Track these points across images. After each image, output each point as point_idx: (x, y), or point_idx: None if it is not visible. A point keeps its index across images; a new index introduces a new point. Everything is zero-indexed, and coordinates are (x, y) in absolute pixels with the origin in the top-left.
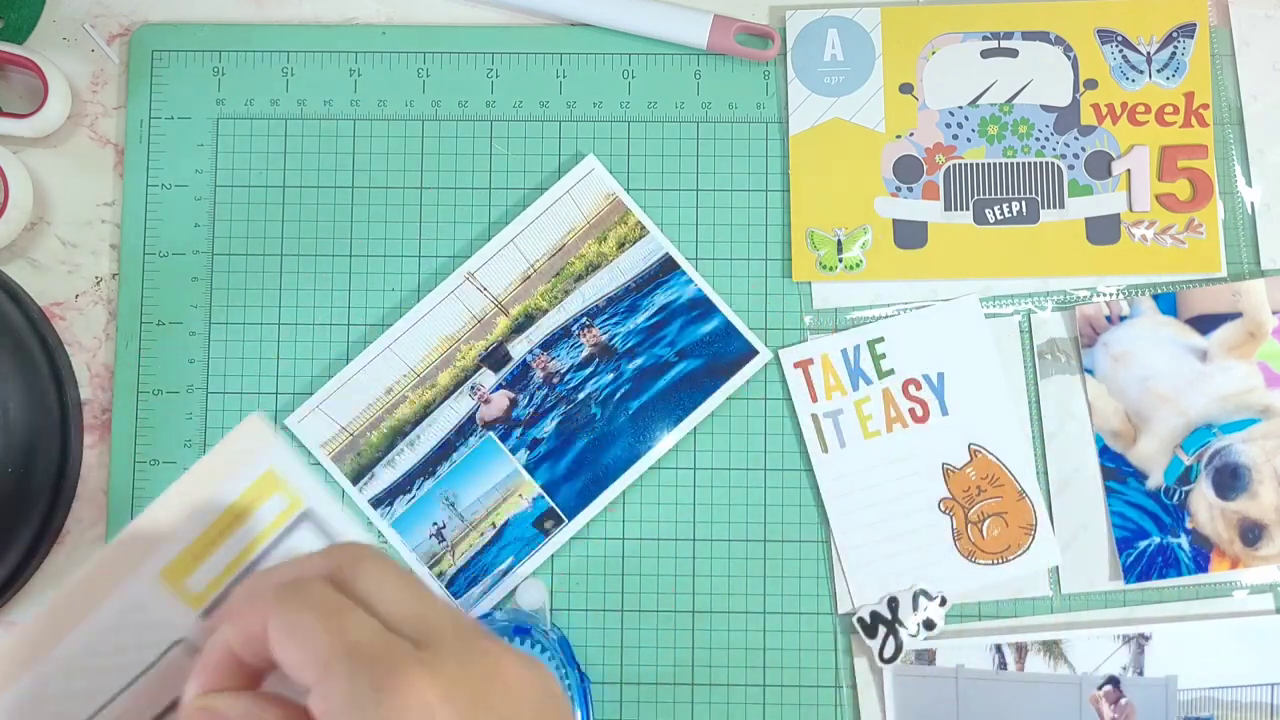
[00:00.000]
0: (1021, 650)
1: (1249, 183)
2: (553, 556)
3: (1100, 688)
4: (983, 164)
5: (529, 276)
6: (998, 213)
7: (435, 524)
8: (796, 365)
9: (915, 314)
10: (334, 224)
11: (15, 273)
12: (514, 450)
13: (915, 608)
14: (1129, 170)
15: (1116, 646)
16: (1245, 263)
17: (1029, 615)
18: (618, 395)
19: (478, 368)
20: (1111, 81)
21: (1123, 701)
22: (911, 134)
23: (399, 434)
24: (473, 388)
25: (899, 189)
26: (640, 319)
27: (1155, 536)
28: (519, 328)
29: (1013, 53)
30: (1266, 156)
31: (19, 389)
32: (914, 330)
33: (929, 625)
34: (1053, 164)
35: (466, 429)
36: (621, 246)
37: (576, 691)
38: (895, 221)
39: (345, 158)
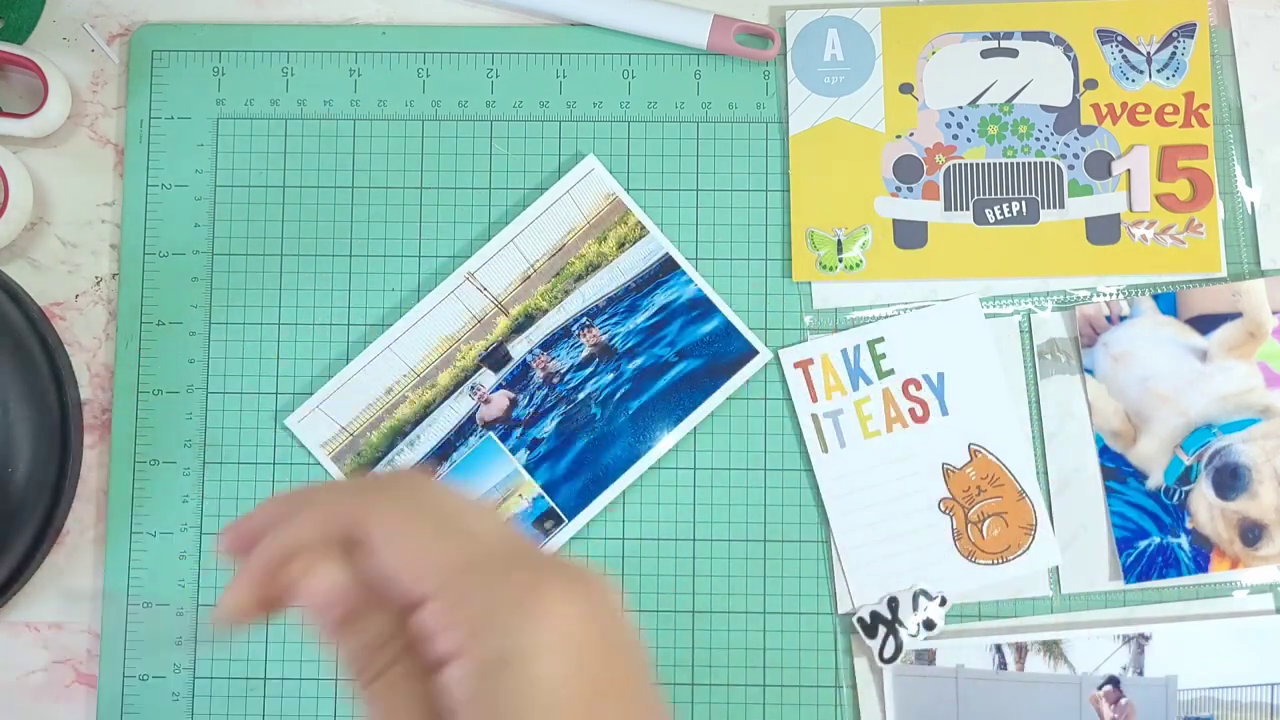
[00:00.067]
0: (1021, 650)
1: (1249, 183)
2: None
3: (1100, 688)
4: (983, 164)
5: (529, 276)
6: (998, 213)
7: None
8: (796, 365)
9: (915, 314)
10: (334, 224)
11: (15, 273)
12: (514, 450)
13: (915, 608)
14: (1129, 170)
15: (1116, 646)
16: (1245, 263)
17: (1029, 615)
18: (618, 395)
19: (478, 368)
20: (1111, 81)
21: (1123, 701)
22: (911, 134)
23: (399, 434)
24: (473, 388)
25: (899, 189)
26: (640, 319)
27: (1155, 536)
28: (519, 328)
29: (1013, 53)
30: (1266, 156)
31: (19, 389)
32: (914, 330)
33: (929, 625)
34: (1053, 164)
35: (466, 429)
36: (621, 246)
37: None
38: (895, 221)
39: (345, 158)
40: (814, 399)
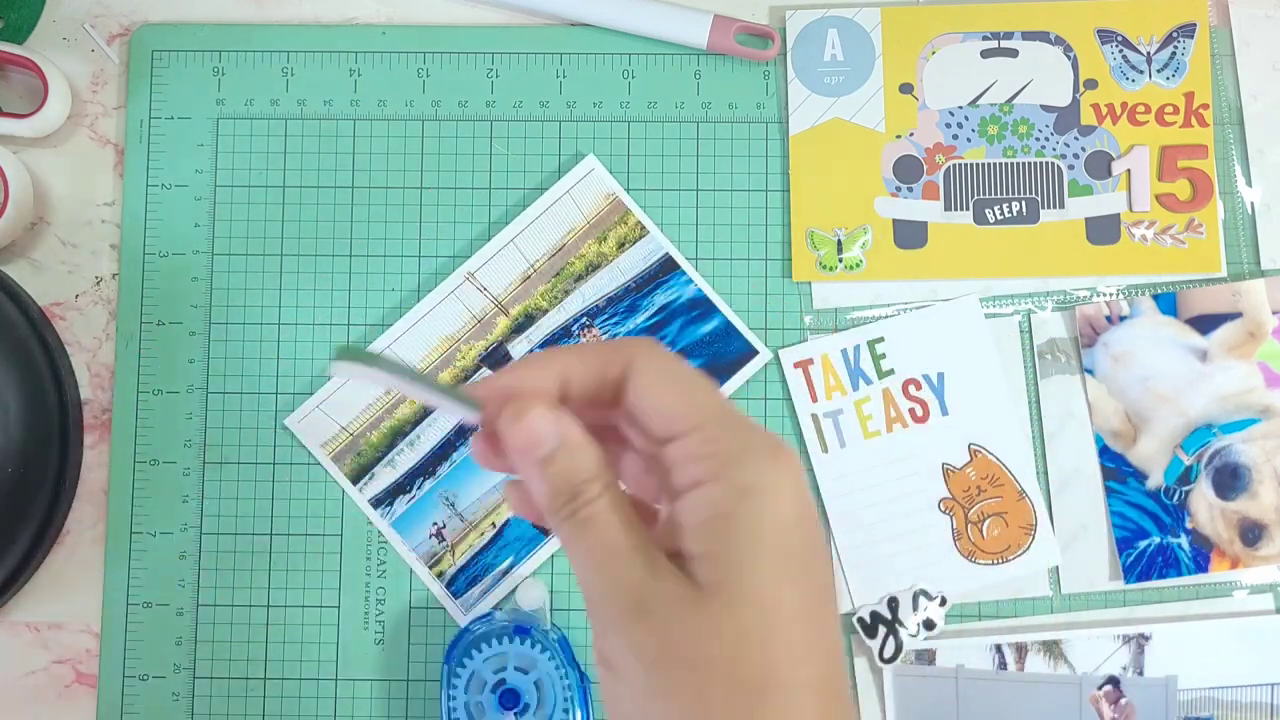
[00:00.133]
0: (1021, 650)
1: (1249, 183)
2: (553, 556)
3: (1100, 688)
4: (983, 164)
5: (529, 276)
6: (998, 213)
7: (435, 524)
8: (796, 365)
9: (915, 314)
10: (334, 224)
11: (15, 273)
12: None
13: (915, 608)
14: (1129, 170)
15: (1116, 646)
16: (1245, 263)
17: (1029, 615)
18: None
19: (478, 368)
20: (1111, 81)
21: (1123, 701)
22: (911, 134)
23: (399, 434)
24: None
25: (899, 189)
26: (640, 319)
27: (1155, 536)
28: (519, 328)
29: (1013, 53)
30: (1266, 156)
31: (19, 389)
32: (914, 330)
33: (929, 625)
34: (1053, 164)
35: (466, 429)
36: (621, 246)
37: (576, 691)
38: (895, 221)
39: (345, 158)
40: (814, 399)
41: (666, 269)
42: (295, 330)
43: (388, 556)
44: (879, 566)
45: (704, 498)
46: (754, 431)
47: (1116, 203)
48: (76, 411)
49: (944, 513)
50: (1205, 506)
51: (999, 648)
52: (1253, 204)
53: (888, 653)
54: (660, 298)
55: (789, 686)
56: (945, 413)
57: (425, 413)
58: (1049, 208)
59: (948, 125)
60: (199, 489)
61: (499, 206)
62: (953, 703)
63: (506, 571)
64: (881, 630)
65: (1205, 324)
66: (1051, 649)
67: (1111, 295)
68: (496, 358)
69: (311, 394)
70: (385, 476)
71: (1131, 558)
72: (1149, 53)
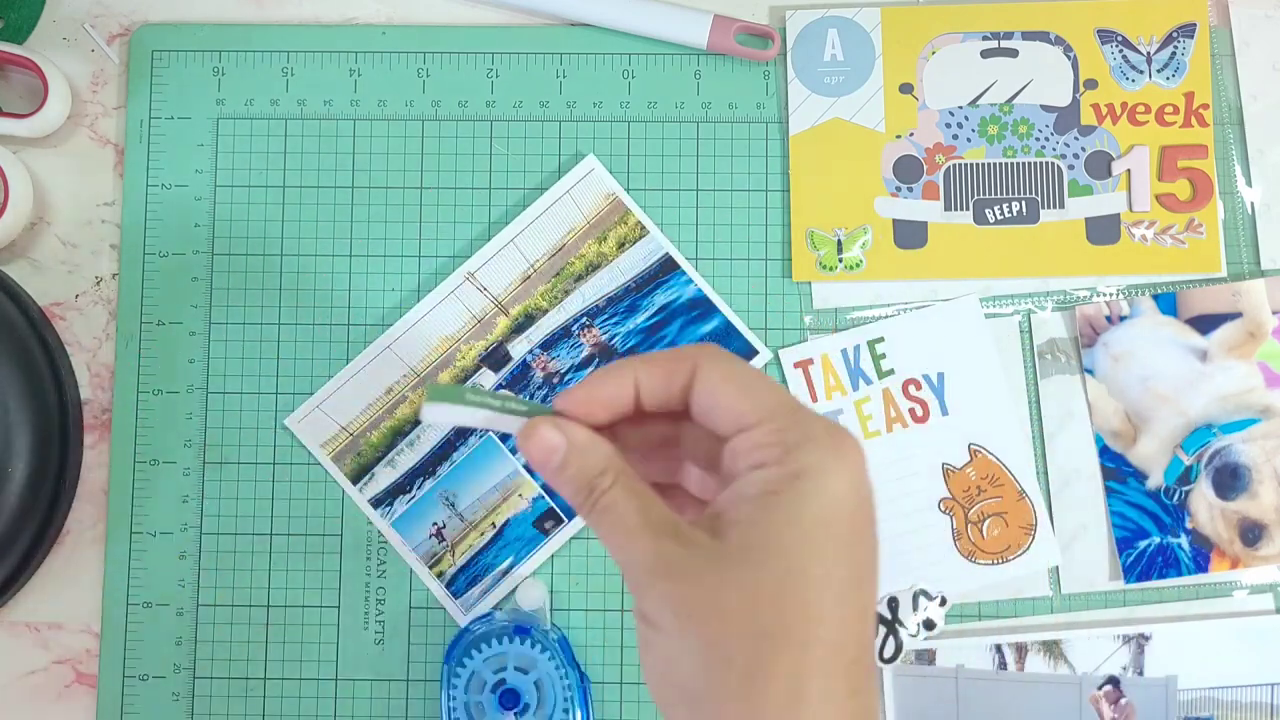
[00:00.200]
0: (1021, 650)
1: (1249, 183)
2: (553, 556)
3: (1100, 688)
4: (983, 164)
5: (529, 276)
6: (998, 213)
7: (435, 524)
8: (796, 365)
9: (915, 314)
10: (334, 224)
11: (15, 273)
12: (514, 450)
13: (915, 608)
14: (1129, 170)
15: (1116, 646)
16: (1245, 263)
17: (1029, 615)
18: None
19: (478, 368)
20: (1111, 81)
21: (1123, 701)
22: (911, 134)
23: (399, 434)
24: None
25: (899, 189)
26: (640, 319)
27: (1155, 536)
28: (519, 328)
29: (1013, 53)
30: (1266, 156)
31: (19, 389)
32: (914, 330)
33: (929, 625)
34: (1053, 164)
35: (466, 429)
36: (621, 246)
37: (576, 691)
38: (895, 221)
39: (345, 158)
40: (814, 399)
41: (666, 269)
42: (295, 330)
43: (388, 556)
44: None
45: (759, 477)
46: (816, 422)
47: (1116, 203)
48: (76, 411)
49: (944, 513)
50: (1205, 506)
51: (999, 648)
52: (1253, 204)
53: (888, 653)
54: (660, 298)
55: (804, 641)
56: (945, 413)
57: None
58: (1049, 208)
59: (948, 125)
60: (199, 489)
61: (499, 206)
62: (953, 703)
63: (506, 571)
64: (881, 630)
65: (1205, 324)
66: (1051, 649)
67: (1111, 295)
68: (496, 358)
69: (311, 394)
70: (385, 476)
71: (1131, 558)
72: (1149, 53)
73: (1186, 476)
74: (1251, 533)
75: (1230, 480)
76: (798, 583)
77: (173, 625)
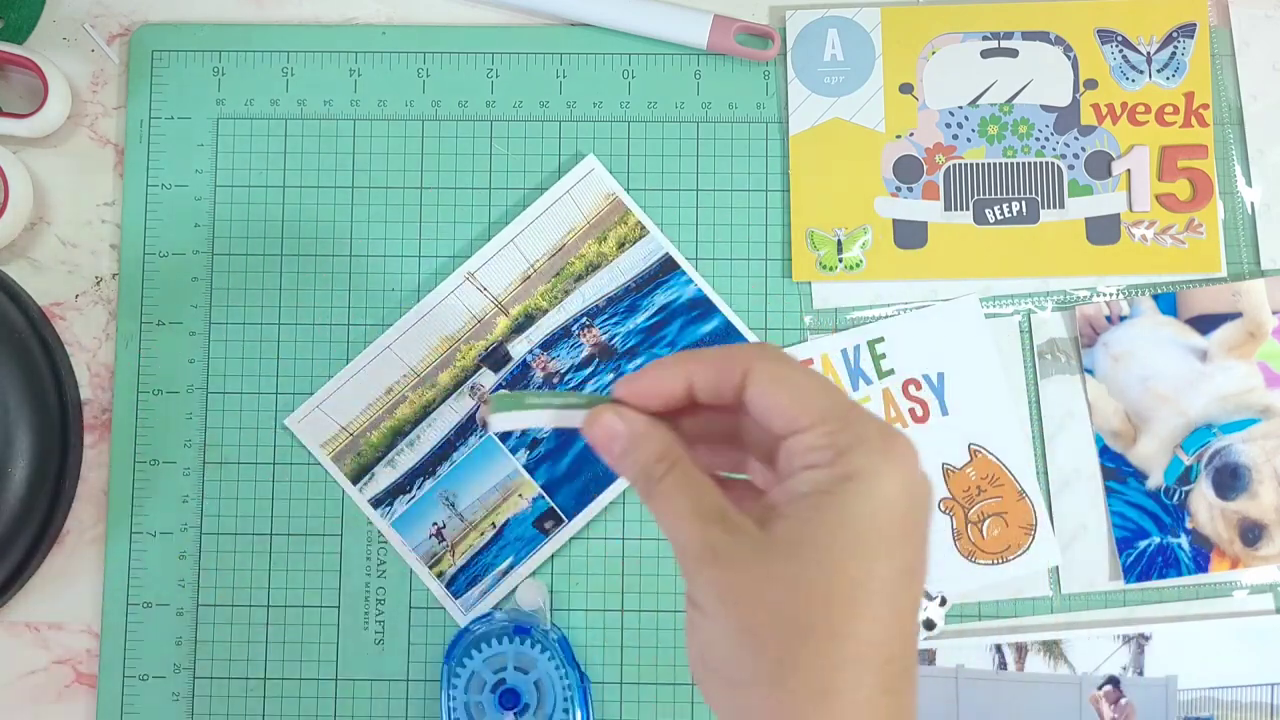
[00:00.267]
0: (1021, 650)
1: (1249, 183)
2: (553, 556)
3: (1100, 688)
4: (983, 164)
5: (529, 276)
6: (998, 213)
7: (435, 524)
8: None
9: (915, 314)
10: (334, 224)
11: (15, 273)
12: (514, 450)
13: None
14: (1129, 170)
15: (1116, 646)
16: (1245, 263)
17: (1029, 615)
18: None
19: (478, 368)
20: (1111, 81)
21: (1123, 701)
22: (911, 134)
23: (399, 434)
24: (473, 388)
25: (899, 189)
26: (640, 319)
27: (1155, 536)
28: (519, 328)
29: (1013, 53)
30: (1266, 156)
31: (19, 389)
32: (914, 330)
33: (929, 625)
34: (1053, 164)
35: (466, 429)
36: (621, 246)
37: (576, 691)
38: (895, 221)
39: (345, 158)
40: None
41: (666, 269)
42: (295, 330)
43: (388, 556)
44: None
45: (810, 477)
46: (869, 424)
47: (1116, 203)
48: (76, 411)
49: (944, 513)
50: (1205, 506)
51: (999, 648)
52: (1253, 204)
53: None
54: (660, 298)
55: (837, 636)
56: (945, 413)
57: (425, 413)
58: (1049, 208)
59: (948, 125)
60: (199, 489)
61: (499, 206)
62: (953, 703)
63: (506, 571)
64: None
65: (1205, 324)
66: (1051, 649)
67: (1111, 295)
68: (496, 358)
69: (311, 394)
70: (385, 476)
71: (1131, 558)
72: (1149, 53)
73: (1186, 476)
74: (1251, 533)
75: (1230, 480)
76: (836, 580)
77: (173, 625)
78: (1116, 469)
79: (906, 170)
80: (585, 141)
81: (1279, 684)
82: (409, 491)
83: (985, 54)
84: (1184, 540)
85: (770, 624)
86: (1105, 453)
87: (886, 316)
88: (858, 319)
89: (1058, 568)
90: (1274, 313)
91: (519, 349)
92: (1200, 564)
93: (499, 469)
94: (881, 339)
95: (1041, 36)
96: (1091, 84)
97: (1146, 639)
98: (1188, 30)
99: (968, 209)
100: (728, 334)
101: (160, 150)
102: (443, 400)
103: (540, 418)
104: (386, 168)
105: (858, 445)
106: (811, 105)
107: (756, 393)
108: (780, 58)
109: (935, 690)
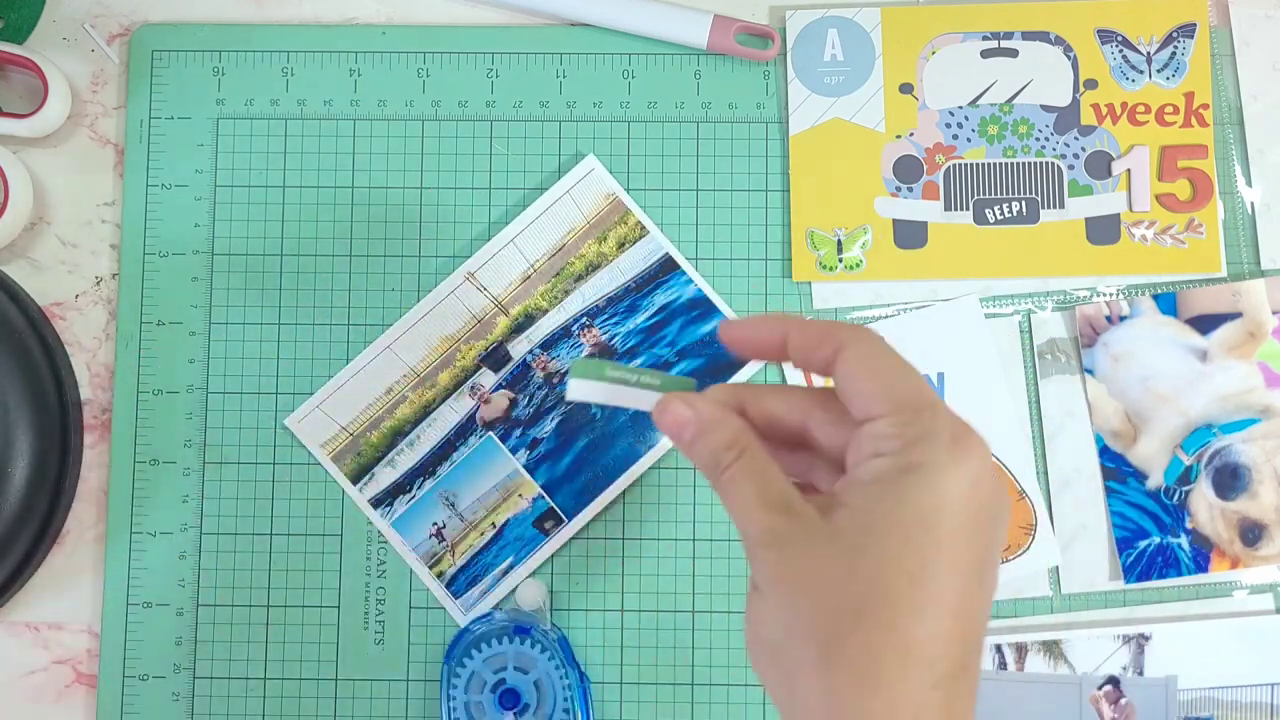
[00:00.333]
0: (1021, 650)
1: (1249, 183)
2: (553, 556)
3: (1100, 688)
4: (983, 164)
5: (529, 276)
6: (998, 213)
7: (435, 524)
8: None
9: (915, 314)
10: (334, 224)
11: (15, 273)
12: (514, 450)
13: None
14: (1129, 170)
15: (1116, 646)
16: (1245, 263)
17: (1029, 615)
18: None
19: (478, 368)
20: (1111, 81)
21: (1123, 701)
22: (911, 134)
23: (399, 434)
24: (473, 388)
25: (899, 189)
26: (640, 319)
27: (1155, 536)
28: (519, 328)
29: (1013, 53)
30: (1266, 156)
31: (19, 389)
32: (914, 330)
33: None
34: (1053, 164)
35: (466, 429)
36: (621, 246)
37: (576, 691)
38: (895, 221)
39: (345, 158)
40: None
41: (666, 269)
42: (295, 330)
43: (388, 556)
44: None
45: (875, 466)
46: (941, 419)
47: (1116, 203)
48: (76, 411)
49: None
50: (1205, 506)
51: (999, 648)
52: (1253, 204)
53: None
54: (660, 298)
55: (883, 625)
56: None
57: (425, 413)
58: (1049, 208)
59: (948, 125)
60: (199, 489)
61: (499, 206)
62: None
63: (506, 571)
64: None
65: (1205, 324)
66: (1051, 649)
67: (1111, 295)
68: (496, 358)
69: (311, 394)
70: (385, 476)
71: (1131, 558)
72: (1149, 53)
73: (1186, 476)
74: (1251, 533)
75: (1230, 480)
76: (889, 570)
77: (173, 625)
78: (1116, 469)
79: (906, 170)
80: (585, 141)
81: (1279, 684)
82: (409, 491)
83: (985, 54)
84: (1184, 540)
85: (821, 608)
86: (1105, 453)
87: (886, 316)
88: (858, 319)
89: (1058, 568)
90: (1274, 313)
91: (519, 349)
92: (1200, 564)
93: (499, 469)
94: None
95: (1041, 36)
96: (1091, 84)
97: (1146, 639)
98: (1188, 30)
99: (968, 209)
100: None
101: (160, 150)
102: (443, 400)
103: (614, 394)
104: (386, 168)
105: (926, 439)
106: (811, 105)
107: (844, 371)
108: (780, 58)
109: None
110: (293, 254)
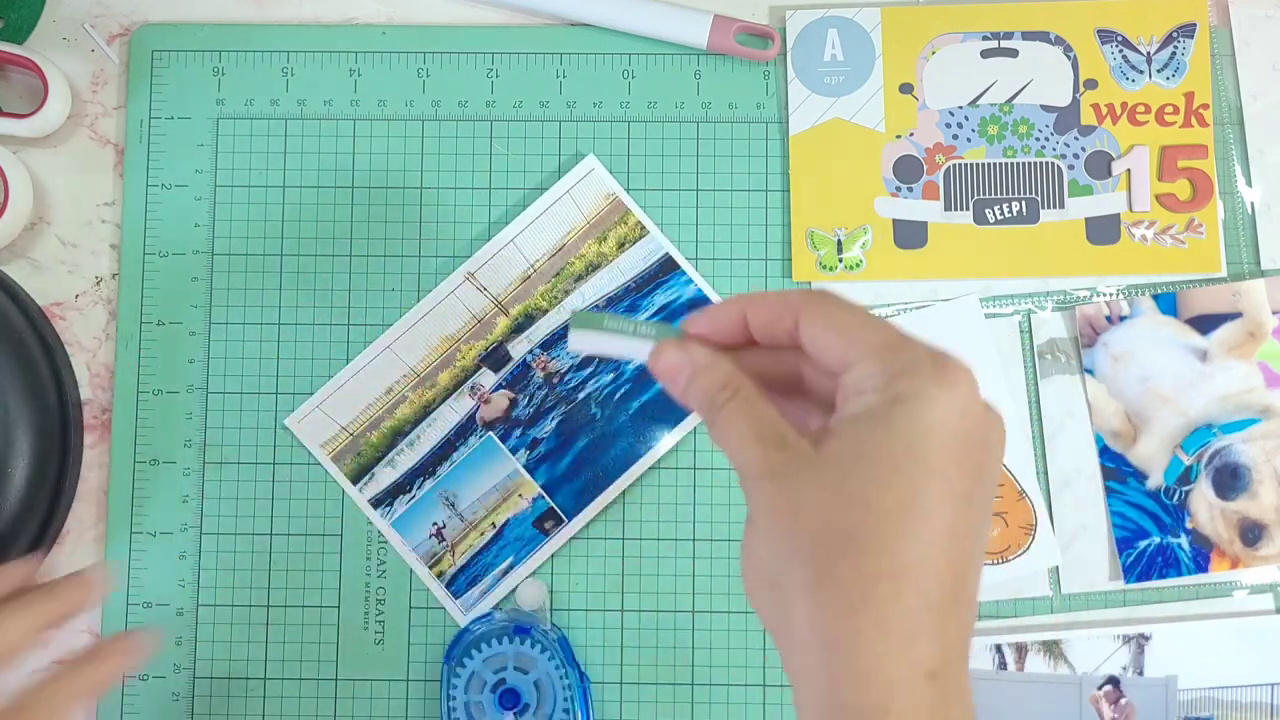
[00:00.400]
0: (1021, 650)
1: (1249, 183)
2: (553, 556)
3: (1100, 688)
4: (983, 164)
5: (529, 276)
6: (998, 213)
7: (435, 524)
8: None
9: (915, 314)
10: (334, 224)
11: (15, 273)
12: (514, 450)
13: None
14: (1129, 170)
15: (1116, 646)
16: (1245, 263)
17: (1029, 615)
18: (618, 395)
19: (478, 368)
20: (1111, 81)
21: (1123, 701)
22: (911, 134)
23: (399, 434)
24: (473, 388)
25: (899, 189)
26: (640, 319)
27: (1155, 536)
28: (519, 327)
29: (1013, 53)
30: (1266, 156)
31: (19, 389)
32: (914, 330)
33: None
34: (1053, 164)
35: (466, 429)
36: (621, 246)
37: (576, 691)
38: (895, 221)
39: (345, 158)
40: None
41: (666, 269)
42: (295, 330)
43: (388, 556)
44: None
45: (862, 401)
46: (921, 350)
47: (1116, 203)
48: (76, 411)
49: None
50: (1205, 506)
51: (999, 648)
52: (1253, 204)
53: None
54: (660, 298)
55: (874, 549)
56: None
57: (425, 412)
58: (1049, 208)
59: (948, 125)
60: (199, 489)
61: (499, 206)
62: None
63: (506, 571)
64: None
65: (1205, 324)
66: (1051, 649)
67: (1111, 295)
68: (496, 358)
69: (311, 394)
70: (385, 476)
71: (1131, 558)
72: (1149, 53)
73: (1186, 476)
74: (1251, 533)
75: (1230, 480)
76: (878, 495)
77: (173, 625)
78: (1116, 469)
79: (906, 170)
80: (585, 141)
81: (1279, 684)
82: (409, 491)
83: (985, 54)
84: (1184, 540)
85: (812, 534)
86: (1105, 453)
87: (886, 316)
88: None
89: (1058, 568)
90: (1274, 313)
91: (519, 349)
92: (1200, 564)
93: (499, 469)
94: None
95: (1041, 36)
96: (1091, 84)
97: (1146, 639)
98: (1188, 30)
99: (968, 209)
100: None
101: (160, 150)
102: (443, 400)
103: (612, 344)
104: (386, 168)
105: (909, 370)
106: (811, 105)
107: (809, 336)
108: (780, 58)
109: None
110: (293, 254)
